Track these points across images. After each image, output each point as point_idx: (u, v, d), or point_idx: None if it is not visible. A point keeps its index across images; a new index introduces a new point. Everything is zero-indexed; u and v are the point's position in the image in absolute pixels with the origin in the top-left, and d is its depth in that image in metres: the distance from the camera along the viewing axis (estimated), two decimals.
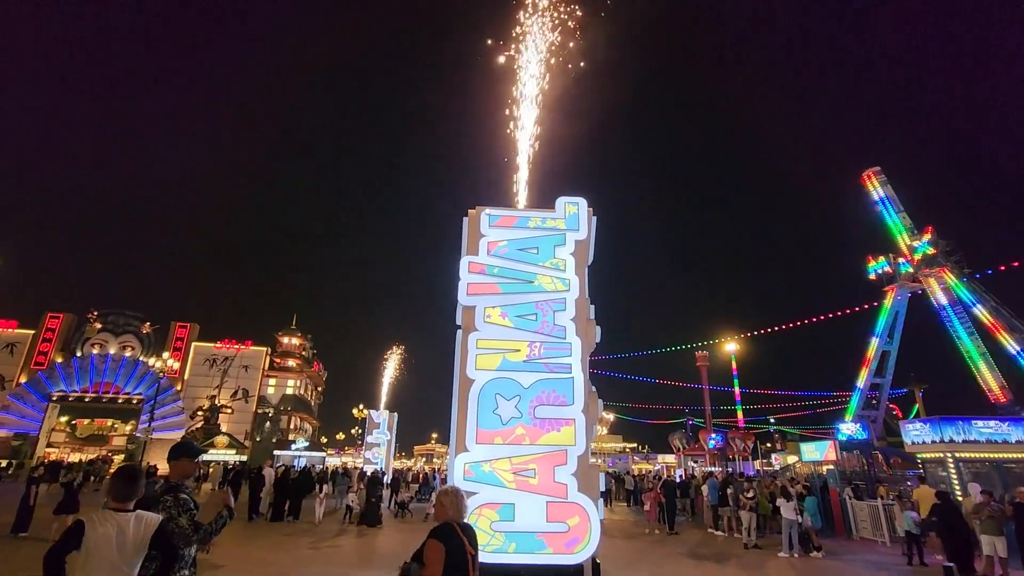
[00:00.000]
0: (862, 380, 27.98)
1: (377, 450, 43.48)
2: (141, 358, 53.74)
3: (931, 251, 25.47)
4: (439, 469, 56.97)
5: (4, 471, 40.72)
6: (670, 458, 54.21)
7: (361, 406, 57.23)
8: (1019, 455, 15.21)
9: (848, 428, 22.06)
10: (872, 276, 28.46)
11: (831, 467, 20.65)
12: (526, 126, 11.46)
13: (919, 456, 16.72)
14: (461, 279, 8.87)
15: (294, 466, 26.50)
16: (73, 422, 53.58)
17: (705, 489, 17.61)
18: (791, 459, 41.71)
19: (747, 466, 43.83)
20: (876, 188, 30.63)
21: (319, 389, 73.89)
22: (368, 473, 21.52)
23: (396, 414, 46.13)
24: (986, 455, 15.29)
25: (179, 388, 54.84)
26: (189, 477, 3.91)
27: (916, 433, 16.48)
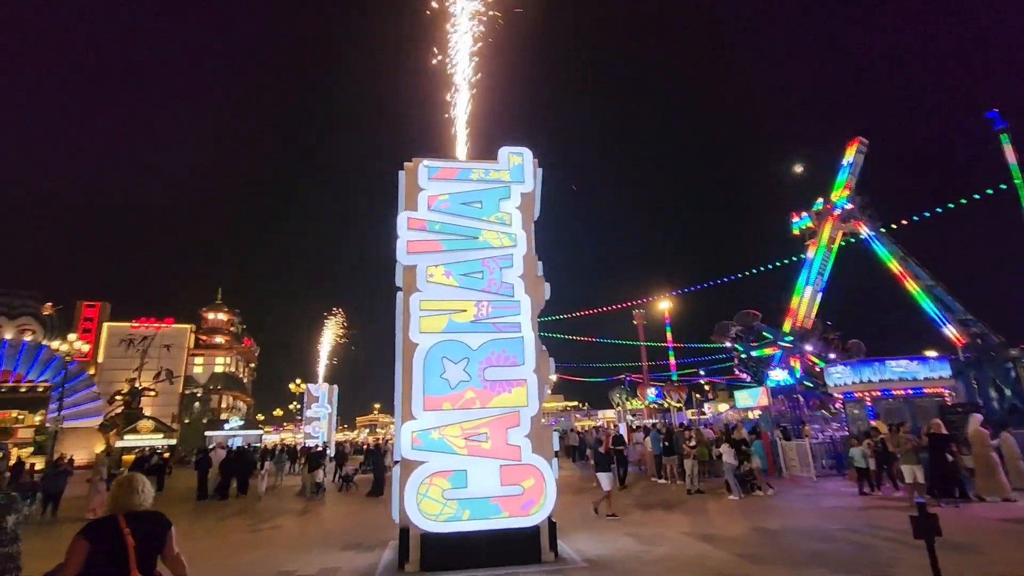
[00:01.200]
0: (787, 327, 29.67)
1: (317, 424, 42.21)
2: (44, 342, 48.94)
3: (849, 206, 27.11)
4: (383, 440, 56.39)
5: None
6: (610, 414, 56.30)
7: (298, 380, 55.35)
8: (929, 390, 16.64)
9: (777, 375, 23.51)
10: (796, 232, 30.01)
11: (760, 412, 22.05)
12: (462, 72, 10.69)
13: (840, 396, 18.00)
14: (399, 236, 8.19)
15: (248, 446, 25.43)
16: None
17: (648, 441, 18.20)
18: (722, 407, 44.29)
19: (680, 416, 46.29)
20: (850, 155, 30.43)
21: (251, 366, 70.61)
22: (311, 448, 20.54)
23: (336, 386, 44.79)
24: (899, 392, 16.65)
25: (92, 372, 50.60)
26: None
27: (838, 376, 17.68)
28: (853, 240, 28.13)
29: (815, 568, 6.45)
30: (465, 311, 7.95)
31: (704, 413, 43.58)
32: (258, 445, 49.00)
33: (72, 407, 45.37)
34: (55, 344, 44.70)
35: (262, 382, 77.02)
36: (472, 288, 8.08)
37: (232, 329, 60.59)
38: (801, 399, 21.42)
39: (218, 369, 57.81)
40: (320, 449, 20.61)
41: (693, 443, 13.96)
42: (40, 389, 47.57)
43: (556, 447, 7.86)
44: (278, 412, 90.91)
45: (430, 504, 7.12)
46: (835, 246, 28.04)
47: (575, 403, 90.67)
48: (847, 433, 17.30)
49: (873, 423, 13.60)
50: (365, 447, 34.30)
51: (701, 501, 12.33)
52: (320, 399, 42.61)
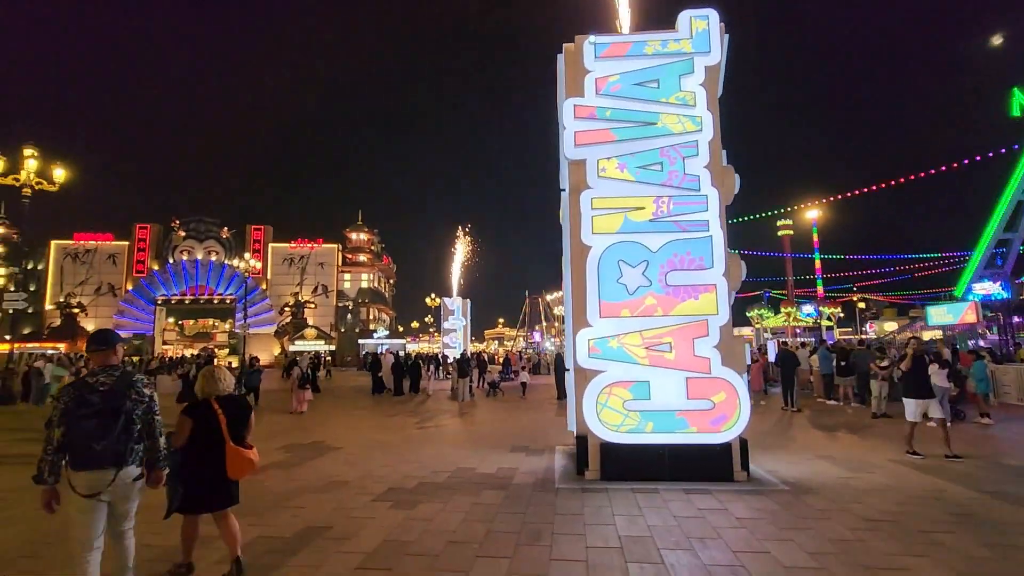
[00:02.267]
0: (989, 235, 24.52)
1: (454, 335, 45.07)
2: (226, 261, 56.84)
3: None
4: (515, 350, 59.50)
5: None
6: (747, 331, 53.07)
7: (433, 295, 59.00)
8: None
9: (983, 288, 19.61)
10: (1017, 112, 23.87)
11: (955, 332, 18.77)
12: None
13: None
14: (565, 127, 7.34)
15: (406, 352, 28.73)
16: (180, 322, 58.91)
17: (815, 360, 16.47)
18: (888, 326, 39.43)
19: (829, 336, 42.08)
20: None
21: (391, 281, 76.47)
22: (459, 357, 21.87)
23: (468, 300, 46.92)
24: None
25: (264, 287, 58.15)
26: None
27: None
28: None
29: None
30: (643, 208, 7.05)
31: (865, 332, 39.19)
32: (405, 353, 54.16)
33: (252, 316, 52.83)
34: (235, 262, 51.54)
35: (400, 296, 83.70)
36: (650, 182, 7.10)
37: (373, 248, 65.35)
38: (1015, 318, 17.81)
39: (364, 284, 63.29)
40: (469, 356, 21.62)
41: (886, 363, 12.18)
42: (228, 301, 55.95)
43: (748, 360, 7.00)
44: (414, 324, 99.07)
45: (610, 414, 6.73)
46: None
47: None
48: None
49: None
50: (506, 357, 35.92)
51: (893, 427, 10.82)
52: (455, 312, 45.07)
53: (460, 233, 47.81)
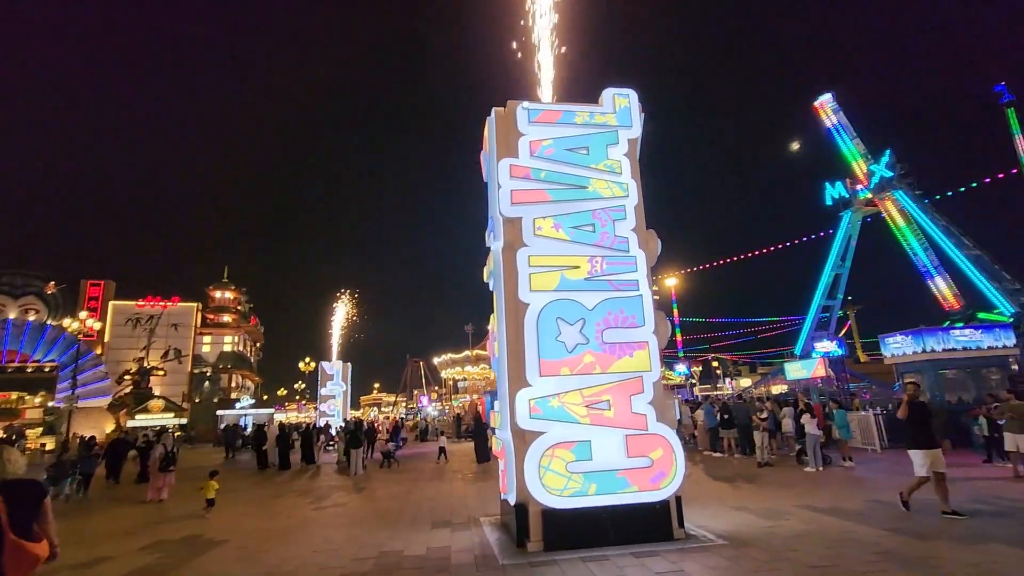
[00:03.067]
0: (816, 302, 29.13)
1: (333, 402, 41.74)
2: (49, 321, 48.01)
3: (889, 174, 26.28)
4: (395, 416, 56.34)
5: None
6: None
7: (308, 359, 54.78)
8: (991, 359, 16.09)
9: (824, 346, 23.01)
10: (829, 202, 29.22)
11: (809, 384, 21.61)
12: (541, 12, 9.72)
13: (897, 366, 17.44)
14: (501, 186, 7.39)
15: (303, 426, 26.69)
16: None
17: (699, 414, 17.67)
18: (744, 382, 44.00)
19: (683, 393, 46.02)
20: (828, 116, 30.98)
21: (257, 345, 69.83)
22: (352, 426, 20.59)
23: (349, 364, 44.18)
24: (964, 361, 16.08)
25: (100, 352, 49.76)
26: None
27: (896, 346, 17.09)
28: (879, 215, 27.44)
29: (989, 543, 5.85)
30: (578, 267, 7.20)
31: (721, 387, 43.31)
32: (265, 424, 48.82)
33: (81, 386, 44.63)
34: (66, 322, 43.87)
35: (267, 361, 76.48)
36: (584, 242, 7.31)
37: (239, 308, 59.60)
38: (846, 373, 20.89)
39: (226, 348, 56.96)
40: (363, 427, 20.04)
41: (765, 415, 13.39)
42: (47, 369, 46.74)
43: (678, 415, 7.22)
44: (281, 391, 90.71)
45: (553, 478, 6.47)
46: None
47: None
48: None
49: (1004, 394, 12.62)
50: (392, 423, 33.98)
51: (780, 474, 11.80)
52: (335, 377, 42.05)
53: (340, 296, 45.59)
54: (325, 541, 7.50)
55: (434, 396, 73.49)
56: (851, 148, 28.93)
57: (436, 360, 44.01)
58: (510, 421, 6.96)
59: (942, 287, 25.82)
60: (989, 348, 16.18)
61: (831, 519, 7.37)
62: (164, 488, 11.95)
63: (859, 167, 28.23)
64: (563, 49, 9.41)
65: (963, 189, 24.60)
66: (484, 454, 17.08)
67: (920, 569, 5.06)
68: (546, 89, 9.12)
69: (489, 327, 8.22)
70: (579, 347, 6.92)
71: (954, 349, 16.11)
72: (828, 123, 31.01)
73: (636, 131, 7.90)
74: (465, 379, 48.86)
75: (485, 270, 8.66)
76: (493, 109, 8.13)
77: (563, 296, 7.05)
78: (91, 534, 8.68)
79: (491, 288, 8.62)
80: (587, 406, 6.75)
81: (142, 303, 53.15)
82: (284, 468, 17.87)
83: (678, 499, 6.86)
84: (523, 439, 6.66)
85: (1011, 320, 20.10)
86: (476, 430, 18.27)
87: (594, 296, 7.11)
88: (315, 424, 27.06)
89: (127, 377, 49.05)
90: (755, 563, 5.53)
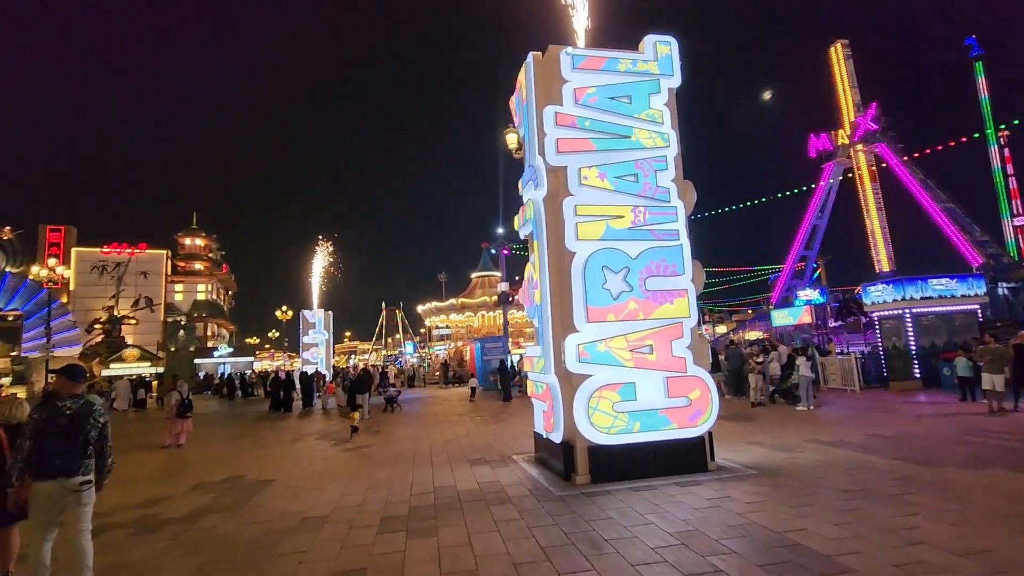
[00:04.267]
0: (796, 253, 30.27)
1: (315, 350, 41.74)
2: (9, 269, 45.82)
3: (873, 127, 26.86)
4: (373, 365, 56.78)
5: None
6: None
7: (285, 308, 54.15)
8: (964, 307, 17.22)
9: (807, 294, 24.08)
10: (813, 153, 29.78)
11: (793, 330, 22.83)
12: None
13: (876, 314, 18.49)
14: (547, 134, 7.37)
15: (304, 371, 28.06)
16: None
17: None
18: (719, 328, 45.63)
19: None
20: (839, 62, 30.70)
21: (230, 293, 68.44)
22: (349, 372, 21.82)
23: (331, 312, 43.91)
24: (939, 309, 17.18)
25: (65, 300, 48.05)
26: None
27: (878, 294, 18.05)
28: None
29: (992, 469, 6.56)
30: (622, 217, 7.35)
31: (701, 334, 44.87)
32: (249, 371, 48.64)
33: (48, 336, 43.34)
34: (34, 270, 42.00)
35: (240, 309, 75.21)
36: (627, 192, 7.43)
37: (211, 255, 57.92)
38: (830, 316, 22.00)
39: (199, 296, 55.76)
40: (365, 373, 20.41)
41: (760, 359, 14.17)
42: (10, 318, 45.06)
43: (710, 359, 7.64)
44: (253, 339, 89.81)
45: (601, 417, 6.86)
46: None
47: None
48: (882, 348, 17.96)
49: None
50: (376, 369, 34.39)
51: (775, 413, 12.65)
52: (317, 325, 41.84)
53: (322, 242, 44.59)
54: (373, 479, 7.83)
55: (417, 341, 74.06)
56: (849, 97, 29.20)
57: (420, 308, 44.10)
58: (555, 365, 7.27)
59: (881, 252, 27.43)
60: (963, 296, 17.27)
61: (841, 451, 8.07)
62: (182, 433, 12.06)
63: (849, 118, 28.71)
64: None
65: (940, 148, 25.38)
66: (508, 393, 19.75)
67: (941, 492, 5.68)
68: (573, 35, 8.93)
69: (527, 275, 8.37)
70: (623, 294, 7.17)
71: (931, 297, 17.14)
72: (836, 69, 30.80)
73: (677, 80, 7.89)
74: (448, 327, 49.30)
75: (518, 218, 8.73)
76: (530, 54, 7.98)
77: (608, 245, 7.22)
78: (127, 478, 8.80)
79: (525, 236, 8.74)
80: (631, 350, 7.08)
81: (107, 250, 51.10)
82: (288, 410, 19.58)
83: (710, 435, 7.39)
84: (570, 382, 6.99)
85: (981, 271, 21.37)
86: (502, 373, 20.55)
87: (637, 245, 7.32)
88: (312, 371, 27.46)
89: (97, 326, 47.75)
90: (792, 489, 6.09)
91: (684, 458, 7.13)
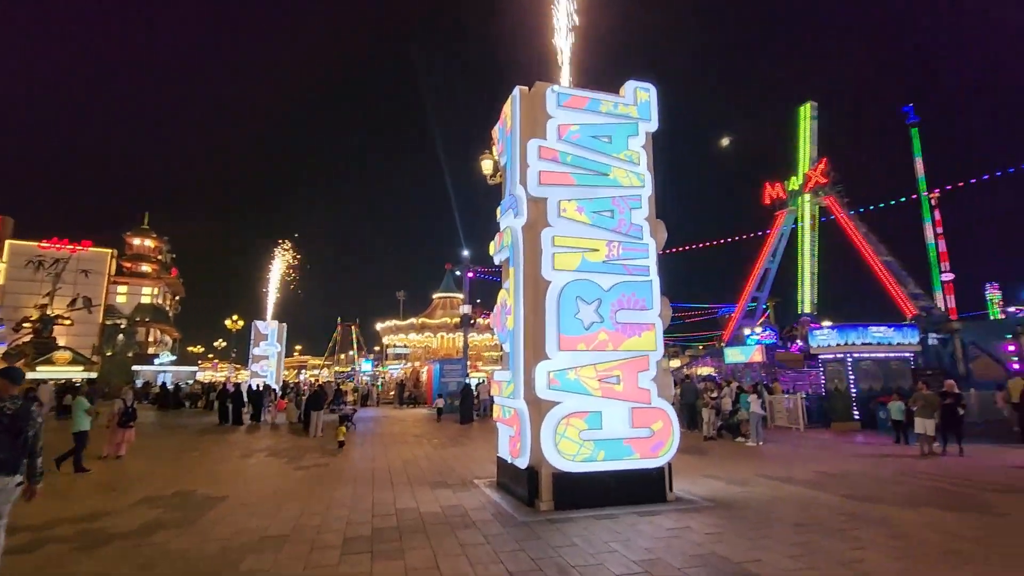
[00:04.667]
0: (746, 294, 31.74)
1: (266, 363, 40.30)
2: None
3: (823, 180, 28.77)
4: (325, 381, 54.91)
5: None
6: None
7: (236, 317, 52.26)
8: (899, 354, 18.39)
9: (763, 335, 25.18)
10: (767, 201, 31.55)
11: (745, 368, 23.75)
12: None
13: (821, 356, 19.51)
14: (529, 165, 7.64)
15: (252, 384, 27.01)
16: None
17: None
18: (673, 363, 46.74)
19: None
20: (805, 120, 32.73)
21: (177, 298, 65.42)
22: (302, 387, 21.13)
23: (284, 324, 42.62)
24: (877, 355, 18.29)
25: None
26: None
27: (823, 337, 19.11)
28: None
29: (926, 508, 7.03)
30: (597, 250, 7.64)
31: (666, 368, 45.96)
32: (190, 382, 46.36)
33: None
34: None
35: (186, 315, 71.92)
36: (603, 227, 7.74)
37: (160, 257, 55.39)
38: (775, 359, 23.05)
39: (144, 300, 53.04)
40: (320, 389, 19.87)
41: (715, 394, 14.67)
42: None
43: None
44: (197, 348, 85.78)
45: (568, 444, 6.99)
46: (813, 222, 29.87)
47: None
48: (824, 390, 18.89)
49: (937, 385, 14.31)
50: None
51: (725, 447, 13.09)
52: (269, 337, 40.50)
53: (280, 249, 43.44)
54: (332, 499, 7.65)
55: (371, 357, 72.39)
56: (807, 152, 31.24)
57: (379, 326, 43.33)
58: (524, 390, 7.39)
59: (806, 296, 29.84)
60: (898, 344, 18.46)
61: (791, 487, 8.45)
62: (123, 444, 11.42)
63: (804, 171, 30.70)
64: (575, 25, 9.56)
65: (882, 205, 27.47)
66: (468, 416, 19.53)
67: (884, 527, 6.05)
68: (564, 77, 9.34)
69: (500, 300, 8.51)
70: (595, 325, 7.40)
71: (870, 343, 18.25)
72: (802, 126, 32.85)
73: (654, 124, 8.35)
74: (406, 347, 48.59)
75: (493, 244, 8.93)
76: (517, 88, 8.29)
77: (583, 276, 7.47)
78: (64, 489, 8.28)
79: (500, 262, 8.92)
80: (600, 380, 7.29)
81: (46, 244, 48.15)
82: (238, 423, 19.05)
83: (669, 466, 7.63)
84: (539, 408, 7.11)
85: (914, 321, 22.97)
86: (464, 395, 20.47)
87: (610, 278, 7.60)
88: (258, 385, 26.30)
89: (26, 325, 44.67)
90: (749, 522, 6.35)
91: (644, 488, 7.32)
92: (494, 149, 10.29)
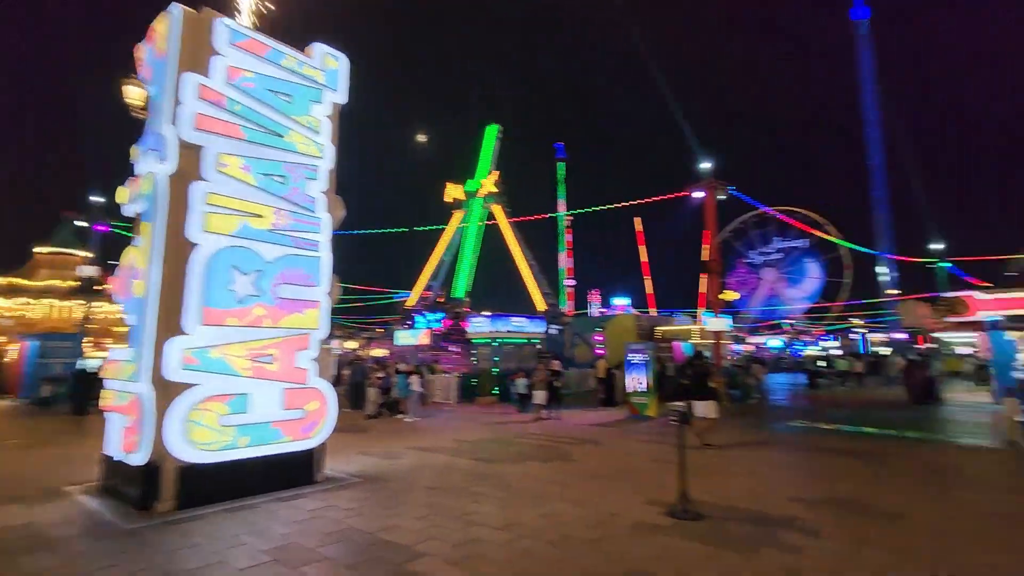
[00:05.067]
0: (423, 282, 34.29)
1: None
2: None
3: (493, 189, 33.29)
4: None
5: None
6: None
7: None
8: (531, 339, 22.72)
9: (428, 319, 27.13)
10: (448, 199, 34.68)
11: (415, 350, 25.26)
12: None
13: (475, 340, 22.53)
14: (182, 103, 6.41)
15: None
16: None
17: None
18: (350, 344, 46.66)
19: None
20: (491, 139, 36.41)
21: None
22: None
23: None
24: (517, 340, 22.18)
25: None
26: None
27: (479, 324, 22.09)
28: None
29: (529, 462, 8.79)
30: (262, 216, 6.91)
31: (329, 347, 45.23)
32: None
33: None
34: None
35: None
36: (272, 192, 7.06)
37: None
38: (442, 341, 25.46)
39: None
40: None
41: (380, 374, 15.21)
42: None
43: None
44: None
45: (203, 432, 6.14)
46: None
47: None
48: (476, 369, 21.87)
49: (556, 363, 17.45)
50: None
51: (386, 424, 13.74)
52: None
53: None
54: None
55: None
56: (487, 165, 35.36)
57: None
58: (152, 372, 6.13)
59: (462, 285, 36.07)
60: (531, 332, 22.80)
61: (435, 455, 9.38)
62: None
63: (482, 179, 34.97)
64: None
65: (533, 218, 33.66)
66: (80, 407, 15.37)
67: (496, 481, 7.27)
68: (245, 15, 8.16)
69: (128, 261, 6.85)
70: (251, 298, 6.68)
71: (512, 331, 22.01)
72: (486, 144, 36.43)
73: (342, 97, 8.04)
74: None
75: (126, 190, 7.17)
76: (178, 5, 6.81)
77: (241, 243, 6.65)
78: None
79: (133, 214, 7.20)
80: (251, 359, 6.62)
81: None
82: None
83: (323, 446, 7.49)
84: (167, 392, 6.01)
85: (543, 314, 28.85)
86: (75, 381, 16.35)
87: (276, 249, 6.98)
88: None
89: None
90: (390, 492, 6.73)
91: (292, 471, 6.99)
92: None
